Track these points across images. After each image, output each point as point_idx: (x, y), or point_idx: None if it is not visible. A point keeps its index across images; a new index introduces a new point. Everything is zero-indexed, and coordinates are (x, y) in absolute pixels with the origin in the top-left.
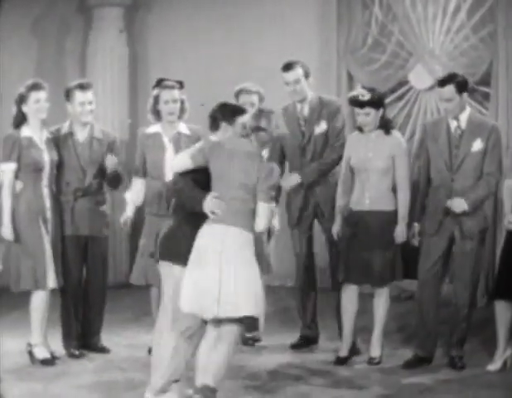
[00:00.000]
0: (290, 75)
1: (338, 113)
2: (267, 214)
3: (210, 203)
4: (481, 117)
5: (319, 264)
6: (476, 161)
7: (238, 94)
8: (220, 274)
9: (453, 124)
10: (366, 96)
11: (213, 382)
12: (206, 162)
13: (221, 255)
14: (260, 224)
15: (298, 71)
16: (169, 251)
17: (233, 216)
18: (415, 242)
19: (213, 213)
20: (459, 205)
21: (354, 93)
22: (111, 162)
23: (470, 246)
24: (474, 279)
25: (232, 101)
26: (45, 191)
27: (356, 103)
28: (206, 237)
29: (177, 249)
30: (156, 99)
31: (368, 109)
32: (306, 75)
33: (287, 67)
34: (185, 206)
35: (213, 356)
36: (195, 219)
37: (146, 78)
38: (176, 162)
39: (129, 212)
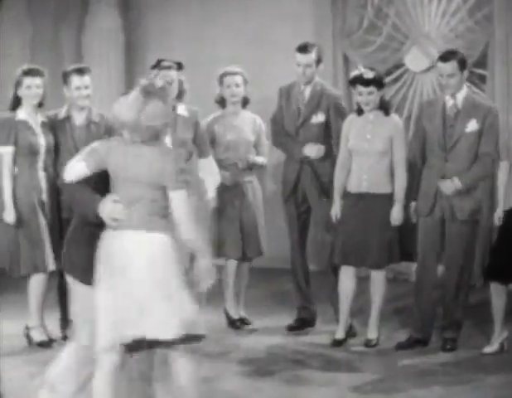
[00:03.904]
0: (303, 58)
1: (339, 109)
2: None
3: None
4: (478, 98)
5: (316, 246)
6: (470, 142)
7: (222, 77)
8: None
9: (449, 103)
10: (371, 74)
11: None
12: None
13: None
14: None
15: (312, 56)
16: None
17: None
18: (414, 220)
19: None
20: (450, 186)
21: (358, 72)
22: None
23: (461, 229)
24: (464, 261)
25: None
26: (42, 175)
27: (361, 81)
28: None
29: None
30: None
31: (371, 88)
32: (319, 61)
33: (303, 49)
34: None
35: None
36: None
37: (142, 62)
38: None
39: None
